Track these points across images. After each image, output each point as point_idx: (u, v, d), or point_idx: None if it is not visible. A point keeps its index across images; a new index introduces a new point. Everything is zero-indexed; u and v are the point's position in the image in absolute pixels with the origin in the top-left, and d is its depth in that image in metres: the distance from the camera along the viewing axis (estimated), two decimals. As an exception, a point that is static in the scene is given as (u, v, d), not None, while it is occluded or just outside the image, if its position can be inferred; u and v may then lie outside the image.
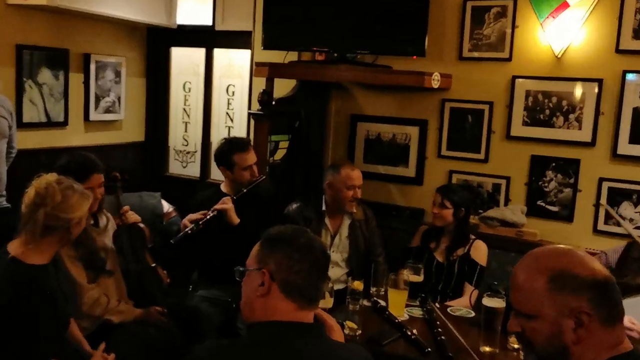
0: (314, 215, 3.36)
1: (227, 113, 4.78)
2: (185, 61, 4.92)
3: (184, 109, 4.96)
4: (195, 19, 4.76)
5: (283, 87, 3.99)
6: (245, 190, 3.23)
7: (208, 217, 3.10)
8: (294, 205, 3.43)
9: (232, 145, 3.29)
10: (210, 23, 4.67)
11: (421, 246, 3.32)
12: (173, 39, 4.86)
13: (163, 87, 4.96)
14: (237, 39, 4.52)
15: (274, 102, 3.82)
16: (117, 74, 4.61)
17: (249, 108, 4.38)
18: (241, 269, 1.61)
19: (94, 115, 4.47)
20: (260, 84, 3.93)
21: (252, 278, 1.58)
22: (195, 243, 3.10)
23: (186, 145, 4.97)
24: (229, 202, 3.18)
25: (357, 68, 3.72)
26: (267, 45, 3.83)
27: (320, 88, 4.14)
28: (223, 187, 3.38)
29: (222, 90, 4.79)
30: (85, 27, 4.36)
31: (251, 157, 3.29)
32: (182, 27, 4.74)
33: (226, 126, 4.78)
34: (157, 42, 4.89)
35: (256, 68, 3.85)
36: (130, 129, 4.84)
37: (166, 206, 4.35)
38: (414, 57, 3.63)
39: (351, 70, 3.70)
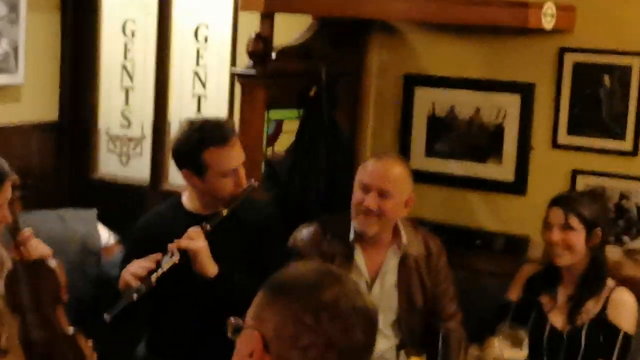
0: (338, 248, 3.44)
1: (195, 73, 4.83)
2: (126, -13, 5.02)
3: (125, 67, 5.01)
4: None
5: (289, 30, 4.07)
6: (225, 213, 3.28)
7: (165, 267, 3.12)
8: (304, 232, 3.52)
9: (204, 134, 3.30)
10: None
11: (525, 300, 3.40)
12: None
13: (90, 30, 4.99)
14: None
15: (274, 55, 3.88)
16: (13, 7, 4.62)
17: (233, 65, 4.46)
18: (235, 321, 1.71)
19: (-26, 78, 4.58)
20: (251, 24, 3.99)
21: (244, 340, 1.67)
22: (145, 308, 3.18)
23: (127, 127, 5.03)
24: (200, 237, 3.20)
25: (415, -4, 3.76)
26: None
27: (352, 31, 4.19)
28: (186, 202, 3.45)
29: (187, 35, 4.83)
30: None
31: (236, 155, 3.33)
32: None
33: (194, 95, 4.84)
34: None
35: (244, -3, 3.87)
36: (34, 100, 4.86)
37: (105, 235, 4.38)
38: (512, -24, 3.69)
39: (404, 0, 3.75)
